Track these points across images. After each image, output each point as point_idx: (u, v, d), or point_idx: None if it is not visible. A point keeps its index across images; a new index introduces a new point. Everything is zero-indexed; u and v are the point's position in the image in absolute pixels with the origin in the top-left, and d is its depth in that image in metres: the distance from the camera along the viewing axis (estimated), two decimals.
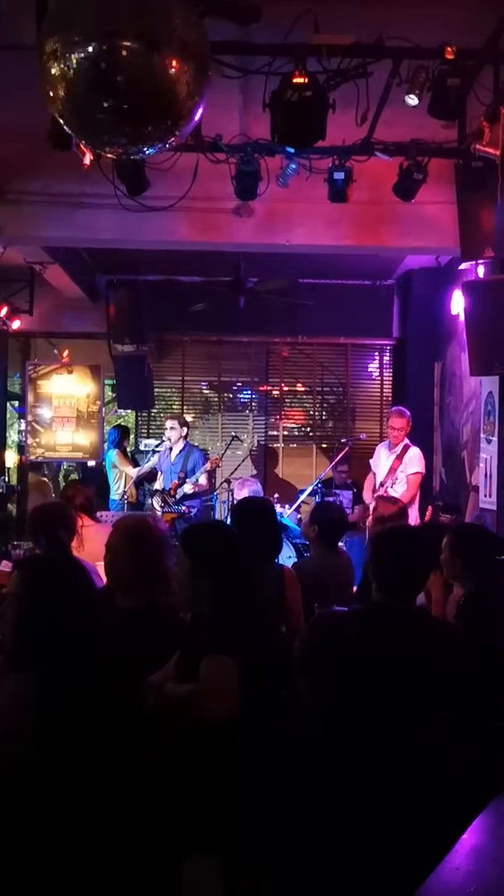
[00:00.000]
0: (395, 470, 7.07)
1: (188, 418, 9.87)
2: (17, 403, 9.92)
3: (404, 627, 2.76)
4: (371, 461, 7.56)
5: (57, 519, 4.16)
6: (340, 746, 2.52)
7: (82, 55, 3.20)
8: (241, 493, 6.90)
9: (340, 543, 5.26)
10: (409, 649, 2.69)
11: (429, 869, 1.66)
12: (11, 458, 10.25)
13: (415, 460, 7.06)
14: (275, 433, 10.14)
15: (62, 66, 3.25)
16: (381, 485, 7.08)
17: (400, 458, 7.09)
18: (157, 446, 8.24)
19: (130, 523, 3.25)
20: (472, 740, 2.53)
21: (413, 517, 6.77)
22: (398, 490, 6.93)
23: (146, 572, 2.96)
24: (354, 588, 4.56)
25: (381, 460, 7.31)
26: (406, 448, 7.13)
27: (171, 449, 7.94)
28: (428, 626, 2.89)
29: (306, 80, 4.15)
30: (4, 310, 8.50)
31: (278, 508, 7.23)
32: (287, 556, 6.54)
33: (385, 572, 2.87)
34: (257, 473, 9.73)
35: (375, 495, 6.89)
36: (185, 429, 8.06)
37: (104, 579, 3.31)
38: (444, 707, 2.60)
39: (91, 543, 4.54)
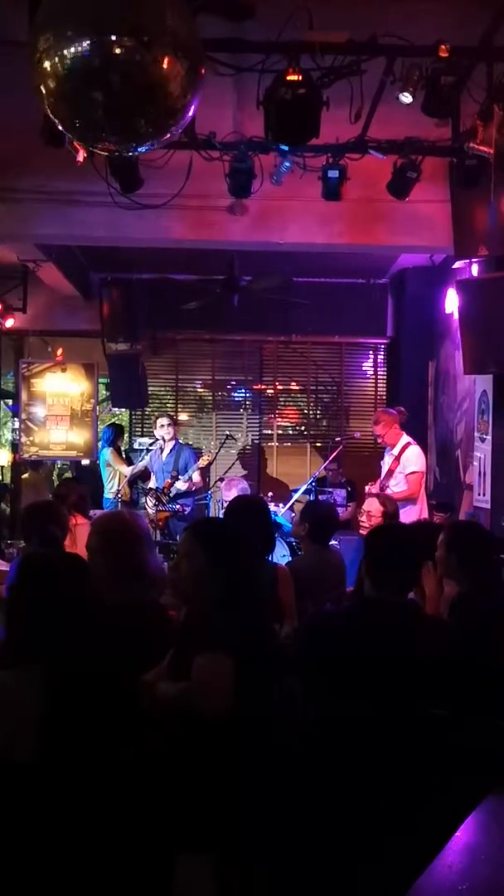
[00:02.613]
0: (394, 471, 7.01)
1: (183, 417, 9.87)
2: (10, 402, 9.90)
3: (397, 622, 2.77)
4: (382, 462, 7.51)
5: (49, 517, 4.16)
6: (335, 744, 2.52)
7: (75, 51, 3.19)
8: (229, 493, 6.89)
9: (335, 542, 5.26)
10: (402, 644, 2.69)
11: (422, 866, 1.66)
12: (5, 457, 10.23)
13: (412, 459, 6.95)
14: (269, 432, 10.12)
15: (54, 62, 3.24)
16: (381, 485, 7.01)
17: (398, 458, 7.03)
18: (150, 445, 8.23)
19: (105, 522, 3.24)
20: (466, 738, 2.53)
21: (415, 517, 6.71)
22: (397, 491, 6.87)
23: (124, 568, 2.94)
24: (349, 587, 4.55)
25: (385, 462, 7.26)
26: (405, 447, 7.05)
27: (161, 448, 7.93)
28: (420, 621, 2.90)
29: (300, 78, 4.15)
30: None
31: (272, 507, 7.23)
32: (281, 555, 6.53)
33: (377, 567, 2.89)
34: (251, 472, 9.72)
35: (367, 494, 6.85)
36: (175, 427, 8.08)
37: None
38: (438, 701, 2.60)
39: (83, 541, 4.52)
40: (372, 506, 5.44)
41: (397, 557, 2.91)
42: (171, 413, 9.33)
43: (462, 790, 2.18)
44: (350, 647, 2.74)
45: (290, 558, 6.54)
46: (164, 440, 7.89)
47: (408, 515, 6.53)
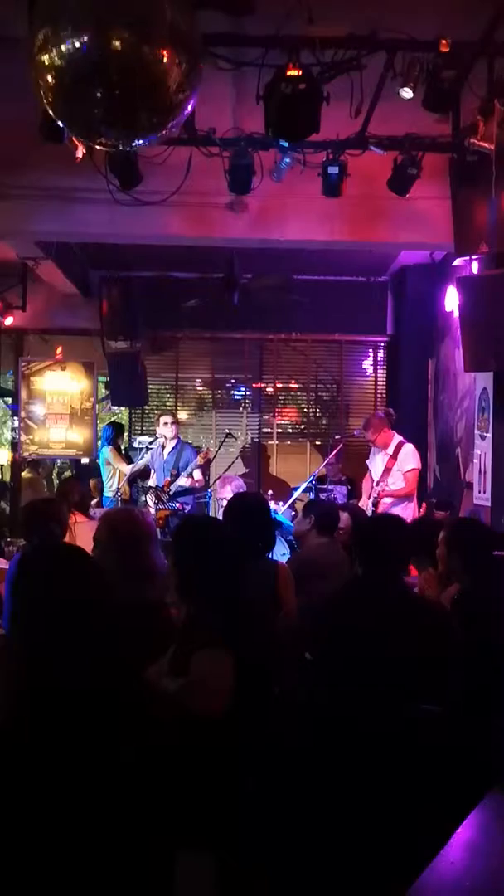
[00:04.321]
0: (391, 469, 7.03)
1: (182, 416, 9.85)
2: (9, 400, 9.88)
3: (388, 595, 2.81)
4: (368, 461, 7.51)
5: (49, 514, 4.15)
6: (335, 742, 2.51)
7: (73, 46, 3.18)
8: (224, 492, 6.88)
9: None
10: (394, 615, 2.72)
11: (424, 864, 1.65)
12: (4, 455, 10.22)
13: (409, 457, 7.02)
14: (269, 430, 10.11)
15: (53, 56, 3.24)
16: (378, 484, 7.03)
17: (394, 456, 7.05)
18: (150, 443, 8.22)
19: (115, 516, 3.24)
20: (468, 735, 2.51)
21: (412, 512, 6.75)
22: (395, 488, 6.90)
23: (132, 566, 2.94)
24: None
25: (377, 461, 7.26)
26: (400, 446, 7.08)
27: (163, 446, 7.92)
28: (411, 596, 2.95)
29: (300, 73, 4.13)
30: None
31: (272, 505, 7.20)
32: (281, 553, 6.51)
33: (366, 548, 2.97)
34: (250, 471, 9.71)
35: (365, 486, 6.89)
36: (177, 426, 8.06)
37: None
38: (435, 685, 2.59)
39: (83, 540, 4.52)
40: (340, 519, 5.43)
41: (384, 537, 3.00)
42: (173, 411, 9.31)
43: (464, 787, 2.17)
44: (344, 620, 2.78)
45: (289, 556, 6.52)
46: (166, 438, 7.88)
47: (405, 512, 6.56)
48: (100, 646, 2.32)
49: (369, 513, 6.81)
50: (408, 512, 6.65)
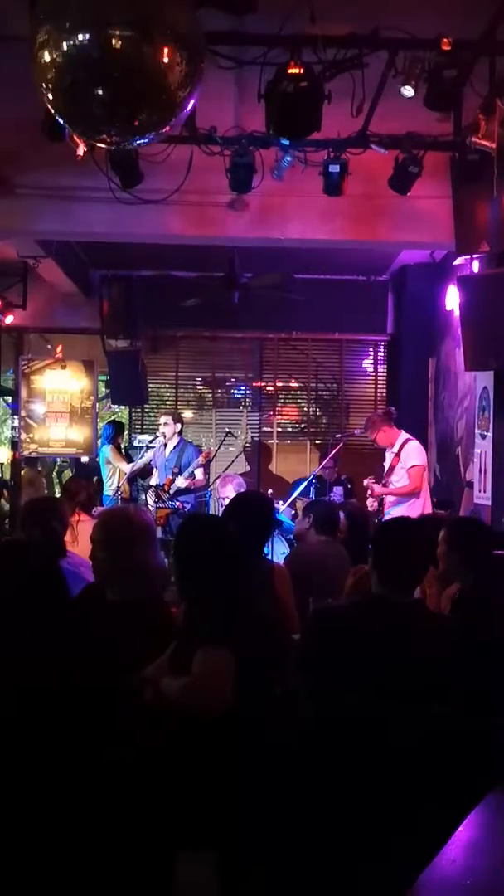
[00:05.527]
0: (395, 467, 7.00)
1: (182, 414, 9.85)
2: (10, 399, 9.88)
3: (404, 622, 2.75)
4: (385, 463, 7.48)
5: (50, 512, 4.14)
6: (336, 742, 2.50)
7: (74, 44, 3.18)
8: (225, 490, 6.85)
9: None
10: (405, 644, 2.67)
11: (425, 864, 1.65)
12: (5, 454, 10.22)
13: (412, 454, 6.95)
14: (269, 429, 10.11)
15: (54, 54, 3.23)
16: (384, 483, 6.99)
17: (398, 454, 7.02)
18: (150, 442, 8.22)
19: (111, 515, 3.24)
20: (469, 735, 2.51)
21: (419, 510, 6.70)
22: (399, 486, 6.86)
23: (128, 564, 2.93)
24: None
25: (387, 460, 7.23)
26: (405, 443, 7.04)
27: (165, 445, 7.92)
28: (424, 622, 2.88)
29: (302, 71, 4.13)
30: None
31: None
32: (281, 553, 6.50)
33: (384, 563, 2.85)
34: (251, 469, 9.71)
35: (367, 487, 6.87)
36: (180, 424, 8.05)
37: None
38: (440, 699, 2.58)
39: (85, 538, 4.50)
40: None
41: (404, 554, 2.87)
42: (174, 411, 9.29)
43: (464, 787, 2.17)
44: (353, 645, 2.72)
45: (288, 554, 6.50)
46: (165, 437, 7.88)
47: (411, 510, 6.53)
48: (74, 645, 2.32)
49: (373, 509, 6.81)
50: (414, 510, 6.57)
